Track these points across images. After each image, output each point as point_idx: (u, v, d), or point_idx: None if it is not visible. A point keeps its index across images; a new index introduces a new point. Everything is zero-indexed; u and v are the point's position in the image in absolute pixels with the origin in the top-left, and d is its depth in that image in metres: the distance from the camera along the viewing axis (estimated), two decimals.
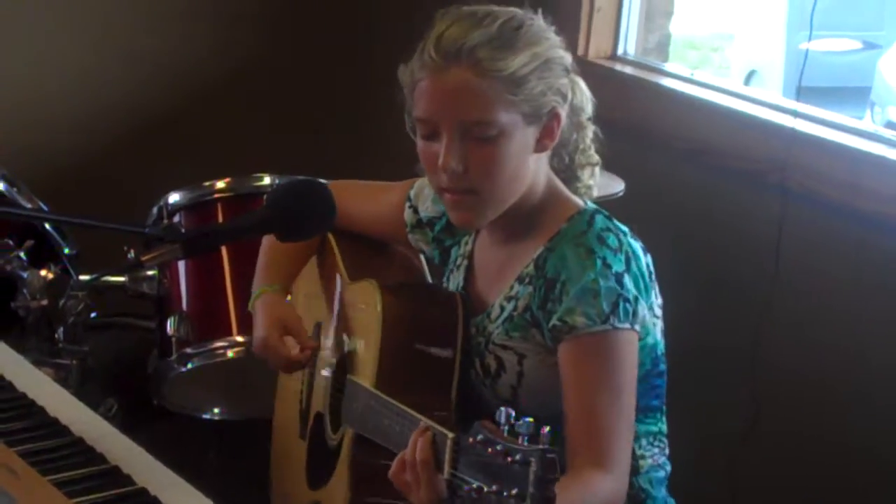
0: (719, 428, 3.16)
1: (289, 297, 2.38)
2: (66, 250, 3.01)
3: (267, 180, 2.97)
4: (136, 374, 3.08)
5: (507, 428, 1.52)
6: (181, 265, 2.96)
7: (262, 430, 2.55)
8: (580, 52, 3.50)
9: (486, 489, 1.51)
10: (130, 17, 3.89)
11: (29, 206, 2.98)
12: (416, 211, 2.28)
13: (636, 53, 3.59)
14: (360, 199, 2.34)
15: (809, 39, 3.25)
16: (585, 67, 2.72)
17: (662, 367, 2.10)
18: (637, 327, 1.98)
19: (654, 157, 3.29)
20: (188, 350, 2.88)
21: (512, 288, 2.06)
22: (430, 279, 2.41)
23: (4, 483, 1.83)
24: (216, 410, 3.02)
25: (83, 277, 2.90)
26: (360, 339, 2.16)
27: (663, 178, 3.27)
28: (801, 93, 3.08)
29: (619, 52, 3.58)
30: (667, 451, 2.15)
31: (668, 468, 2.16)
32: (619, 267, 1.97)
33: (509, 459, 1.48)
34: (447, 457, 1.64)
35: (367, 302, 2.14)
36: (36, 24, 3.78)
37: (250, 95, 4.05)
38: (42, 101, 3.79)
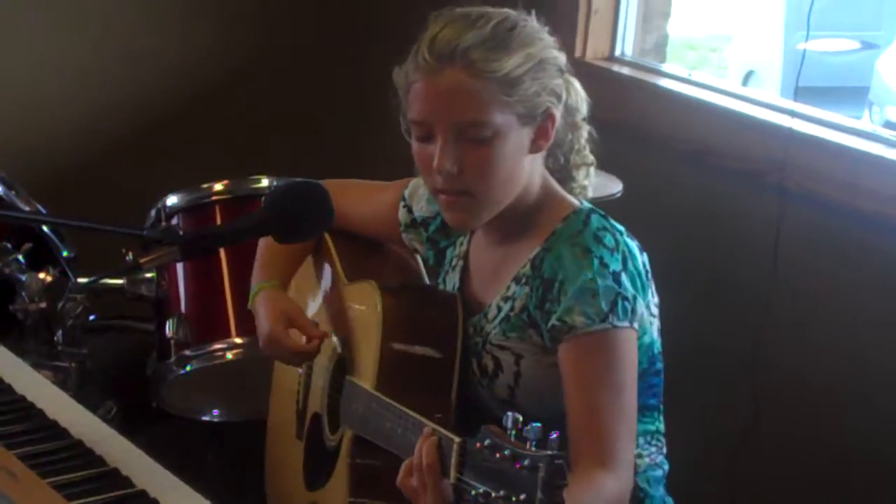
0: (719, 428, 3.16)
1: None
2: (65, 253, 3.00)
3: (265, 182, 2.97)
4: (135, 377, 3.07)
5: (514, 433, 1.52)
6: (179, 267, 2.96)
7: (261, 431, 2.55)
8: (577, 53, 3.50)
9: (493, 494, 1.50)
10: (130, 17, 3.88)
11: (27, 208, 2.97)
12: (410, 210, 2.28)
13: (634, 54, 3.59)
14: (356, 199, 2.34)
15: (807, 39, 3.25)
16: (583, 69, 2.72)
17: (659, 365, 2.10)
18: (636, 325, 1.98)
19: (653, 157, 3.29)
20: (187, 352, 2.88)
21: (509, 288, 2.06)
22: (426, 280, 2.41)
23: (4, 486, 1.83)
24: (215, 412, 3.02)
25: (81, 280, 2.90)
26: (359, 340, 2.16)
27: (661, 178, 3.27)
28: (799, 93, 3.07)
29: (617, 53, 3.57)
30: (664, 449, 2.15)
31: (666, 467, 2.16)
32: (616, 266, 1.97)
33: (517, 465, 1.47)
34: (453, 461, 1.64)
35: (366, 303, 2.14)
36: (36, 24, 3.77)
37: (250, 96, 4.05)
38: (41, 101, 3.78)
